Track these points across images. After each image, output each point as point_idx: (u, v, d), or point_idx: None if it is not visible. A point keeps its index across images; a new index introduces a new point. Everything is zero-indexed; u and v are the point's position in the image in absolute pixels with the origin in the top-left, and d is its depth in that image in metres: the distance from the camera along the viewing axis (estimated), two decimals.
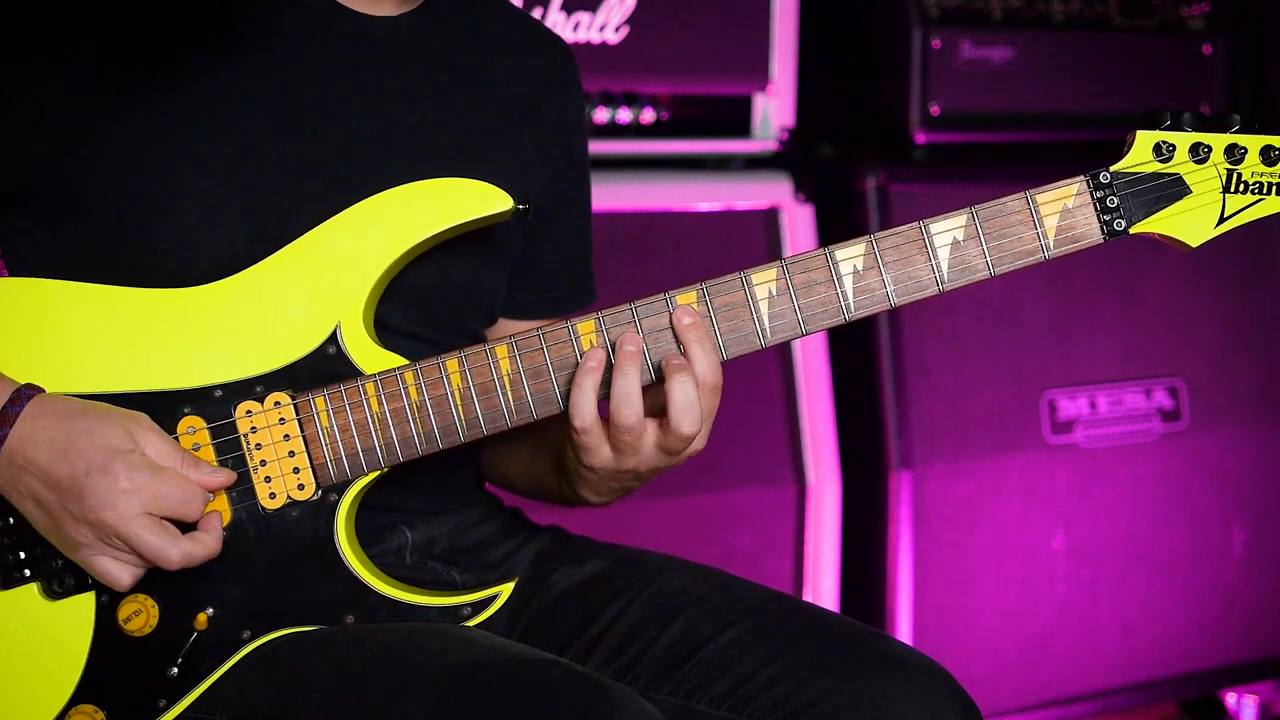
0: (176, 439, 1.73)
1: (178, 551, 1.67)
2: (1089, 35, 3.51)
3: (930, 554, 3.31)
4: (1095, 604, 3.47)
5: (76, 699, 1.72)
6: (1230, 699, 3.78)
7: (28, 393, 1.68)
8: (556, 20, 3.01)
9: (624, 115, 3.12)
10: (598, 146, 3.08)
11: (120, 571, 1.68)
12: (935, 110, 3.36)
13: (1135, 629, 3.51)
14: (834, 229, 3.27)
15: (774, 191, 3.25)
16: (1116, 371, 3.49)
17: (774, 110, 3.25)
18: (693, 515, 3.12)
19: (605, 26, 3.06)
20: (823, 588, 3.24)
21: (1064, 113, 3.53)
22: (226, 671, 1.74)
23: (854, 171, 3.32)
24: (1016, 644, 3.40)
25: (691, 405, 1.70)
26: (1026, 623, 3.40)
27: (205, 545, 1.69)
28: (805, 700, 1.73)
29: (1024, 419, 3.39)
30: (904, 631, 3.29)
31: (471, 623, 1.76)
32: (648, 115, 3.15)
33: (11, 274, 1.83)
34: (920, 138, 3.38)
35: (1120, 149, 1.77)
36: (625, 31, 3.08)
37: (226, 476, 1.72)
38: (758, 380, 3.18)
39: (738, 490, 3.17)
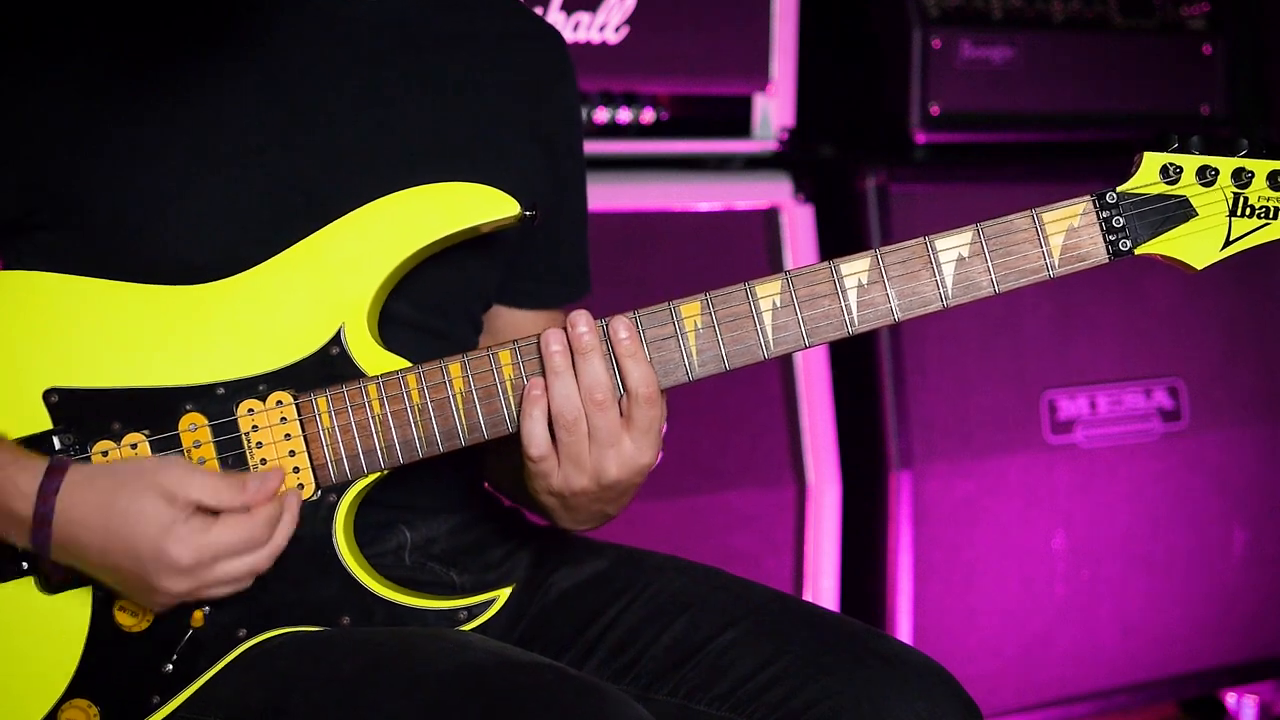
0: (178, 435, 1.73)
1: (267, 557, 1.68)
2: (1089, 35, 3.51)
3: (930, 554, 3.31)
4: (1095, 604, 3.47)
5: (70, 693, 1.72)
6: (1230, 699, 3.78)
7: (50, 487, 1.65)
8: (556, 20, 3.01)
9: (624, 115, 3.12)
10: (598, 146, 3.08)
11: (227, 591, 1.69)
12: (935, 110, 3.36)
13: (1135, 629, 3.51)
14: (834, 229, 3.28)
15: (774, 191, 3.25)
16: (1116, 371, 3.49)
17: (774, 110, 3.25)
18: (693, 515, 3.12)
19: (605, 26, 3.06)
20: (823, 588, 3.24)
21: (1064, 113, 3.53)
22: (221, 671, 1.73)
23: (854, 171, 3.32)
24: (1016, 644, 3.40)
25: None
26: (1026, 623, 3.40)
27: (288, 528, 1.69)
28: (805, 700, 1.73)
29: (1024, 419, 3.39)
30: (904, 631, 3.29)
31: (468, 626, 1.76)
32: (648, 115, 3.15)
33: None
34: (920, 138, 3.38)
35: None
36: (625, 31, 3.08)
37: (276, 477, 1.70)
38: (758, 381, 3.18)
39: (738, 491, 3.17)
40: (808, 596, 3.21)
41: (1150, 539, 3.52)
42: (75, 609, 1.72)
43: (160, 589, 1.65)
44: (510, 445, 1.79)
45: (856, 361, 3.29)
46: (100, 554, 1.64)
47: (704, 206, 3.20)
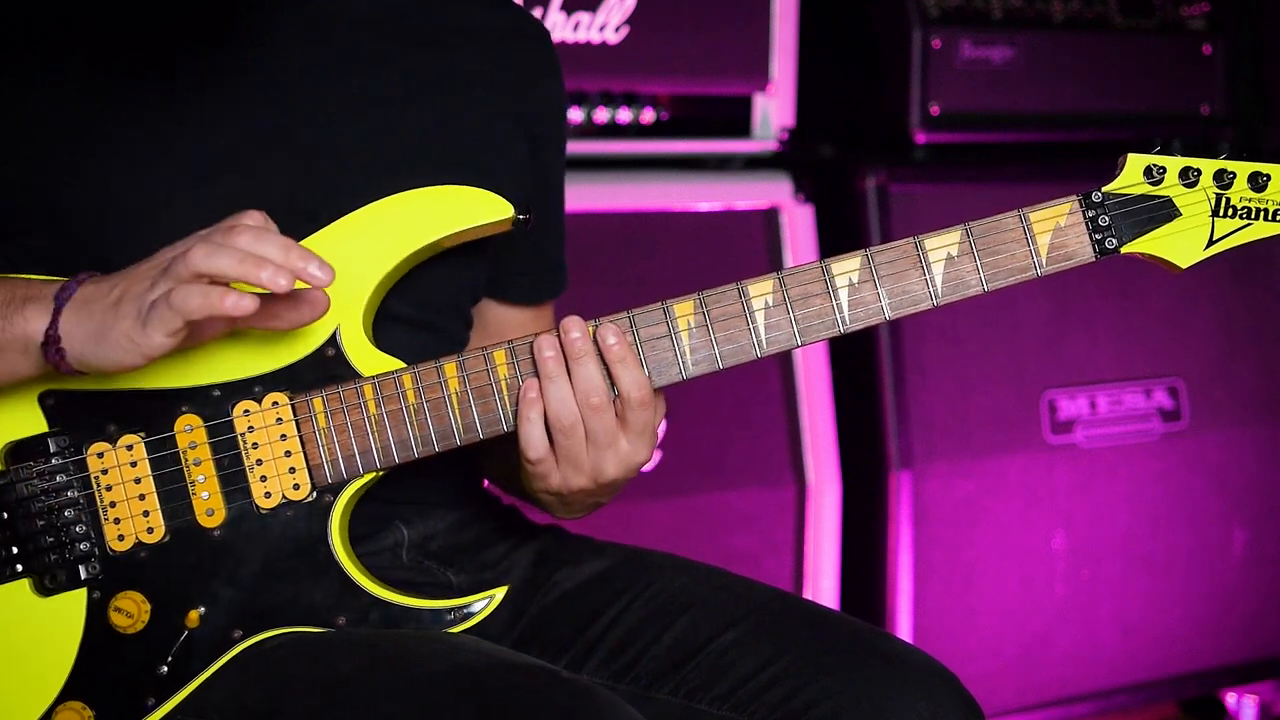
0: (174, 437, 1.73)
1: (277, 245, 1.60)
2: (1089, 35, 3.51)
3: (930, 554, 3.31)
4: (1095, 604, 3.46)
5: (65, 696, 1.72)
6: (1230, 699, 3.78)
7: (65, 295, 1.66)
8: (556, 20, 3.01)
9: (624, 115, 3.12)
10: (598, 146, 3.08)
11: (199, 295, 1.58)
12: (935, 110, 3.36)
13: (1135, 629, 3.51)
14: (834, 229, 3.27)
15: (774, 191, 3.25)
16: (1116, 371, 3.49)
17: (774, 110, 3.25)
18: (693, 515, 3.12)
19: (605, 26, 3.06)
20: (823, 588, 3.24)
21: (1064, 113, 3.53)
22: (217, 672, 1.73)
23: (854, 171, 3.32)
24: (1016, 644, 3.40)
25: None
26: (1026, 623, 3.40)
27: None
28: (806, 700, 1.73)
29: (1024, 419, 3.39)
30: (904, 631, 3.29)
31: (463, 626, 1.76)
32: (648, 115, 3.15)
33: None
34: (920, 138, 3.38)
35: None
36: (625, 31, 3.08)
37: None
38: (758, 381, 3.18)
39: (738, 490, 3.17)
40: (808, 596, 3.21)
41: (1150, 539, 3.51)
42: (70, 611, 1.72)
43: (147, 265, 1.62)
44: (506, 444, 1.79)
45: (856, 361, 3.30)
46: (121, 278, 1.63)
47: (704, 206, 3.20)
